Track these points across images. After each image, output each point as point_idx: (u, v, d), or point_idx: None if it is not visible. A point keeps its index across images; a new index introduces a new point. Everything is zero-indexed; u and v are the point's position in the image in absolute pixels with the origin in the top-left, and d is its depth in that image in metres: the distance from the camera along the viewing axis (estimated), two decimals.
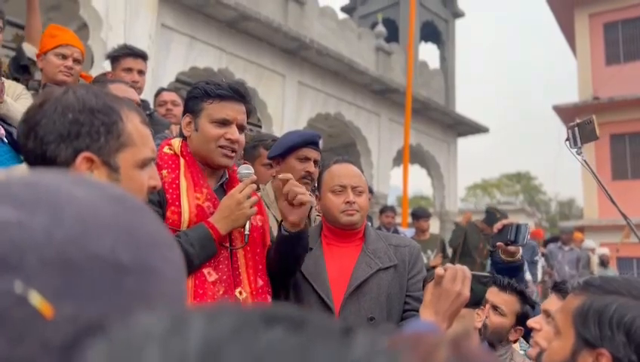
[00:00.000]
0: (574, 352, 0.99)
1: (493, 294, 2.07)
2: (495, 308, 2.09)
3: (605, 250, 9.55)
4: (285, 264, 1.88)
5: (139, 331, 0.25)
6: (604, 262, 9.33)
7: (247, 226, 1.78)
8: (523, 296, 2.13)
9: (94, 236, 0.37)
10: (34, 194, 0.38)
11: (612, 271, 9.58)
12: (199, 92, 1.80)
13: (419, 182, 41.57)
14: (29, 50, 3.07)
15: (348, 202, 1.98)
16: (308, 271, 1.96)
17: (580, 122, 2.36)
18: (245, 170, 1.84)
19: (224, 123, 1.78)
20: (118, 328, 0.27)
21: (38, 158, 1.00)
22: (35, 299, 0.33)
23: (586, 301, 1.02)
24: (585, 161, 2.40)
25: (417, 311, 1.93)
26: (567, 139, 2.39)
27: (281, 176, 1.84)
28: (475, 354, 0.75)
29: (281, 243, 1.83)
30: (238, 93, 1.82)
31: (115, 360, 0.23)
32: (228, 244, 1.78)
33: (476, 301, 1.39)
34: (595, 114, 2.61)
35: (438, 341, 0.73)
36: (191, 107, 1.82)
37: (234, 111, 1.80)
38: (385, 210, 6.53)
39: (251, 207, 1.74)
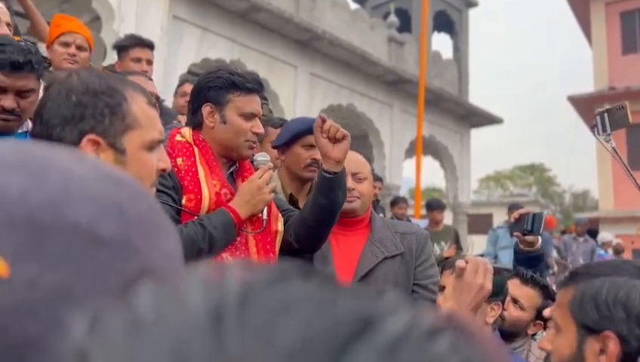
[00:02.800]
0: (580, 342, 0.99)
1: (514, 286, 2.02)
2: (515, 301, 2.04)
3: (619, 240, 9.42)
4: (326, 215, 1.81)
5: (180, 277, 0.26)
6: (618, 251, 9.21)
7: (265, 211, 1.79)
8: (546, 291, 2.08)
9: (74, 204, 0.36)
10: (22, 158, 0.37)
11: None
12: (224, 83, 1.78)
13: (431, 173, 41.39)
14: (42, 48, 3.08)
15: (347, 189, 1.95)
16: (314, 261, 1.94)
17: (610, 108, 2.30)
18: (262, 157, 1.87)
19: (251, 116, 1.80)
20: (161, 274, 0.27)
21: (44, 142, 0.99)
22: None
23: (577, 290, 1.02)
24: (614, 148, 2.33)
25: (425, 298, 1.93)
26: (595, 126, 2.33)
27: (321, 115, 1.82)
28: (485, 344, 0.73)
29: (322, 187, 1.77)
30: (262, 86, 1.85)
31: (160, 300, 0.25)
32: (245, 229, 1.79)
33: (494, 293, 1.37)
34: (610, 103, 2.54)
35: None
36: (213, 97, 1.79)
37: (259, 104, 1.83)
38: (397, 201, 6.50)
39: (270, 192, 1.76)
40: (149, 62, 3.13)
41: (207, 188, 1.73)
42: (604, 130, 2.29)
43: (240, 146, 1.79)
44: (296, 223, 1.86)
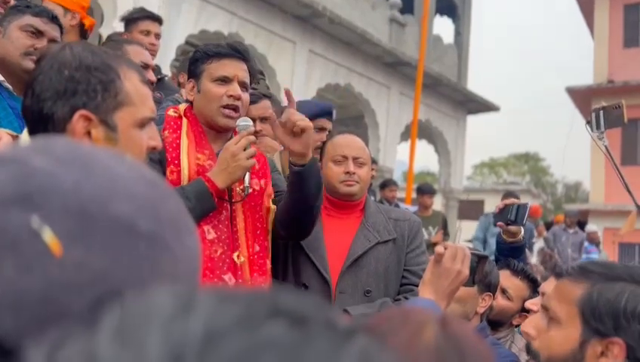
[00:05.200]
0: (583, 342, 0.98)
1: (504, 277, 2.04)
2: (503, 291, 2.07)
3: (593, 228, 9.48)
4: (303, 206, 1.79)
5: (146, 309, 0.27)
6: (594, 241, 9.26)
7: (247, 179, 1.73)
8: (534, 283, 2.11)
9: (117, 200, 0.40)
10: (72, 154, 0.42)
11: (604, 254, 9.56)
12: (199, 54, 1.80)
13: (425, 158, 41.45)
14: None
15: (348, 172, 1.97)
16: (306, 243, 1.95)
17: (606, 105, 2.28)
18: (243, 121, 1.80)
19: (224, 80, 1.77)
20: (129, 301, 0.28)
21: (35, 115, 0.98)
22: (48, 236, 0.37)
23: (591, 290, 0.99)
24: (606, 146, 2.31)
25: (415, 284, 1.94)
26: (589, 122, 2.32)
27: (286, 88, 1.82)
28: (463, 333, 0.74)
29: (294, 182, 1.76)
30: (237, 50, 1.81)
31: (120, 334, 0.25)
32: (227, 198, 1.75)
33: (472, 280, 1.38)
34: (608, 97, 2.54)
35: (427, 318, 0.72)
36: (193, 71, 1.82)
37: (233, 68, 1.78)
38: (387, 183, 6.37)
39: (249, 158, 1.68)
40: (157, 36, 3.14)
41: (188, 160, 1.72)
42: (598, 127, 2.28)
43: (214, 113, 1.76)
44: (279, 213, 1.84)
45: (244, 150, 1.68)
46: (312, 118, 2.24)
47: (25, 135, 1.17)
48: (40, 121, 0.98)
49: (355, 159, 1.99)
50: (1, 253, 0.37)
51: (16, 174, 0.39)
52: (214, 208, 1.69)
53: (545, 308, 1.08)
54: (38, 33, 1.94)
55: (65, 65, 0.97)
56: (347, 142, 2.03)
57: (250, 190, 1.77)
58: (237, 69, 1.78)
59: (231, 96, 1.75)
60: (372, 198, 2.44)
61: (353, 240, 1.97)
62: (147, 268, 0.40)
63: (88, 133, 0.98)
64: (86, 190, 0.40)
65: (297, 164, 1.72)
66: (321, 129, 2.23)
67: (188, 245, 0.44)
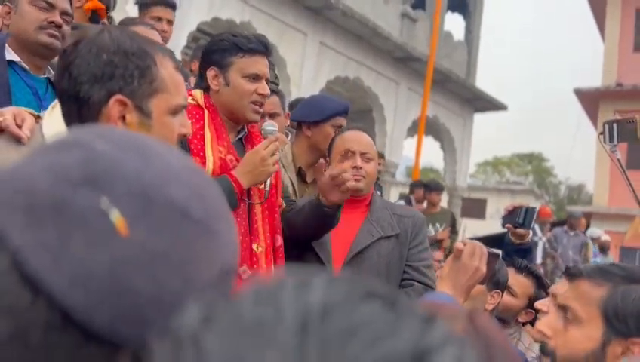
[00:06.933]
0: (604, 343, 1.00)
1: (508, 274, 2.07)
2: (508, 288, 2.09)
3: (605, 237, 9.49)
4: (314, 233, 1.93)
5: (276, 283, 0.31)
6: (604, 249, 9.29)
7: (268, 182, 1.79)
8: (539, 281, 2.13)
9: (173, 187, 0.43)
10: (130, 141, 0.45)
11: (611, 258, 9.56)
12: (227, 45, 1.78)
13: (430, 154, 41.45)
14: None
15: (355, 167, 1.99)
16: None
17: (620, 119, 2.29)
18: (270, 126, 1.84)
19: (255, 78, 1.78)
20: (258, 278, 0.33)
21: (72, 98, 1.00)
22: (116, 216, 0.40)
23: (614, 291, 1.01)
24: (619, 160, 2.32)
25: (415, 280, 1.99)
26: (602, 133, 2.32)
27: (330, 171, 1.86)
28: (491, 330, 0.75)
29: (317, 216, 1.86)
30: (267, 48, 1.82)
31: (260, 300, 0.30)
32: (246, 198, 1.79)
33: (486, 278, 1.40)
34: (616, 100, 2.55)
35: (456, 313, 0.74)
36: (217, 60, 1.80)
37: (264, 65, 1.80)
38: (435, 187, 6.33)
39: (274, 164, 1.75)
40: (170, 23, 3.10)
41: (212, 153, 1.73)
42: (610, 140, 2.29)
43: (244, 109, 1.78)
44: (293, 222, 1.92)
45: (271, 155, 1.73)
46: (333, 116, 2.26)
47: (47, 115, 1.18)
48: (76, 103, 0.99)
49: (362, 154, 2.02)
50: (72, 231, 0.39)
51: (82, 157, 0.41)
52: (237, 207, 1.73)
53: (562, 308, 1.10)
54: (48, 6, 1.90)
55: (103, 49, 0.97)
56: (355, 138, 2.05)
57: (268, 190, 1.82)
58: (265, 67, 1.81)
59: (260, 94, 1.78)
60: (378, 193, 2.46)
61: (357, 234, 2.00)
62: (200, 251, 0.42)
63: (123, 118, 0.99)
64: (146, 175, 0.42)
65: (328, 207, 1.84)
66: (339, 127, 2.27)
67: (230, 232, 0.47)
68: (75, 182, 0.40)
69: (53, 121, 1.13)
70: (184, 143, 1.71)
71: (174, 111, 1.03)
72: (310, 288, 0.30)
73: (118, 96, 0.98)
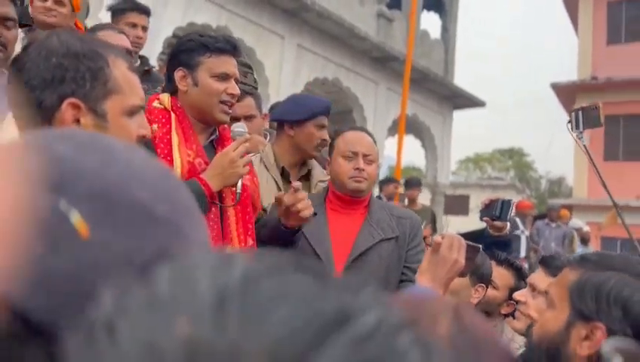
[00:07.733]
0: (569, 324, 1.01)
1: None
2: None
3: (586, 228, 9.63)
4: (278, 244, 1.90)
5: (194, 262, 0.30)
6: (584, 240, 9.43)
7: (239, 185, 1.75)
8: (519, 272, 2.14)
9: (136, 186, 0.43)
10: (93, 143, 0.45)
11: (592, 249, 9.70)
12: (194, 45, 1.75)
13: (411, 152, 41.59)
14: None
15: (357, 168, 1.99)
16: (311, 236, 1.98)
17: (585, 107, 2.37)
18: (239, 128, 1.81)
19: (224, 77, 1.75)
20: (176, 259, 0.32)
21: (25, 103, 0.97)
22: (75, 218, 0.39)
23: (583, 275, 1.03)
24: (585, 145, 2.40)
25: (413, 281, 1.98)
26: (570, 122, 2.39)
27: (295, 184, 1.83)
28: (477, 325, 0.74)
29: (279, 233, 1.86)
30: (236, 48, 1.80)
31: (174, 281, 0.29)
32: (218, 202, 1.76)
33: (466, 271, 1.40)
34: (591, 93, 2.63)
35: (441, 309, 0.72)
36: (185, 60, 1.76)
37: (233, 65, 1.77)
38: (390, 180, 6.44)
39: (244, 166, 1.71)
40: (145, 29, 3.07)
41: (180, 157, 1.70)
42: (577, 127, 2.36)
43: (213, 109, 1.75)
44: (257, 235, 1.92)
45: (241, 157, 1.70)
46: (315, 115, 2.25)
47: (8, 120, 1.15)
48: (29, 109, 0.97)
49: (365, 156, 2.02)
50: (33, 234, 0.38)
51: (43, 160, 0.41)
52: (208, 210, 1.70)
53: (545, 294, 1.12)
54: None
55: (52, 53, 0.95)
56: (358, 139, 2.06)
57: (240, 193, 1.79)
58: (234, 67, 1.78)
59: (230, 93, 1.76)
60: (374, 195, 2.49)
61: (357, 235, 1.99)
62: (168, 252, 0.41)
63: (77, 122, 0.97)
64: (109, 175, 0.42)
65: (287, 228, 1.84)
66: (322, 126, 2.26)
67: (200, 233, 0.46)
68: (36, 184, 0.40)
69: (8, 126, 1.10)
70: (150, 146, 1.68)
71: (130, 112, 1.01)
72: (231, 264, 0.29)
73: (71, 100, 0.95)
